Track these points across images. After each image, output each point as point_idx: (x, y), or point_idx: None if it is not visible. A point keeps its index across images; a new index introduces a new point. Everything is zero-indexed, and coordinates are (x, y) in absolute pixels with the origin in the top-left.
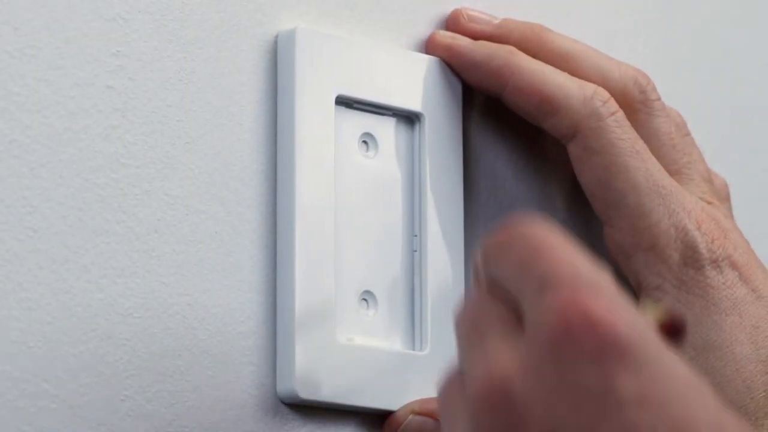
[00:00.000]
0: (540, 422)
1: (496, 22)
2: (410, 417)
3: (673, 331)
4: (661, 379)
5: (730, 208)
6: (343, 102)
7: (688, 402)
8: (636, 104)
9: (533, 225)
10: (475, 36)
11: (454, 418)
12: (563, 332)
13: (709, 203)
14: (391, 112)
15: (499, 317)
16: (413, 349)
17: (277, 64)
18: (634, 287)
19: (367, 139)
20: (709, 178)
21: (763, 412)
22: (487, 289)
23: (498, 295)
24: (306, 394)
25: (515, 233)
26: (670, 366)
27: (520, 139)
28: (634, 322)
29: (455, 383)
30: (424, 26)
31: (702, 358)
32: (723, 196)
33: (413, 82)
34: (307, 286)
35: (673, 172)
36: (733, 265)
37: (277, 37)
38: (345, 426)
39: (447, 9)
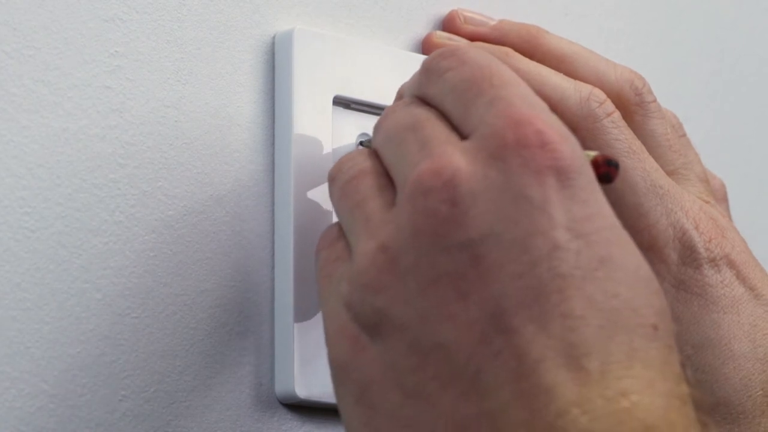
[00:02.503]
0: (477, 224)
1: (493, 23)
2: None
3: (604, 166)
4: (591, 214)
5: (727, 209)
6: (341, 102)
7: (612, 241)
8: (632, 106)
9: (480, 51)
10: (472, 37)
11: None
12: (516, 142)
13: (707, 202)
14: None
15: (437, 118)
16: None
17: (274, 65)
18: None
19: (364, 140)
20: (706, 179)
21: (760, 410)
22: (415, 102)
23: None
24: (304, 394)
25: (463, 57)
26: (601, 203)
27: None
28: (579, 152)
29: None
30: (421, 27)
31: (700, 355)
32: (720, 196)
33: None
34: (304, 285)
35: (670, 173)
36: (731, 264)
37: (274, 37)
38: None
39: (444, 10)
